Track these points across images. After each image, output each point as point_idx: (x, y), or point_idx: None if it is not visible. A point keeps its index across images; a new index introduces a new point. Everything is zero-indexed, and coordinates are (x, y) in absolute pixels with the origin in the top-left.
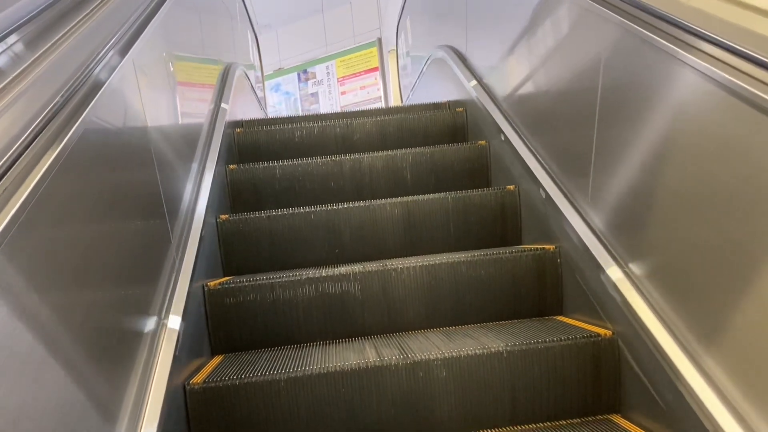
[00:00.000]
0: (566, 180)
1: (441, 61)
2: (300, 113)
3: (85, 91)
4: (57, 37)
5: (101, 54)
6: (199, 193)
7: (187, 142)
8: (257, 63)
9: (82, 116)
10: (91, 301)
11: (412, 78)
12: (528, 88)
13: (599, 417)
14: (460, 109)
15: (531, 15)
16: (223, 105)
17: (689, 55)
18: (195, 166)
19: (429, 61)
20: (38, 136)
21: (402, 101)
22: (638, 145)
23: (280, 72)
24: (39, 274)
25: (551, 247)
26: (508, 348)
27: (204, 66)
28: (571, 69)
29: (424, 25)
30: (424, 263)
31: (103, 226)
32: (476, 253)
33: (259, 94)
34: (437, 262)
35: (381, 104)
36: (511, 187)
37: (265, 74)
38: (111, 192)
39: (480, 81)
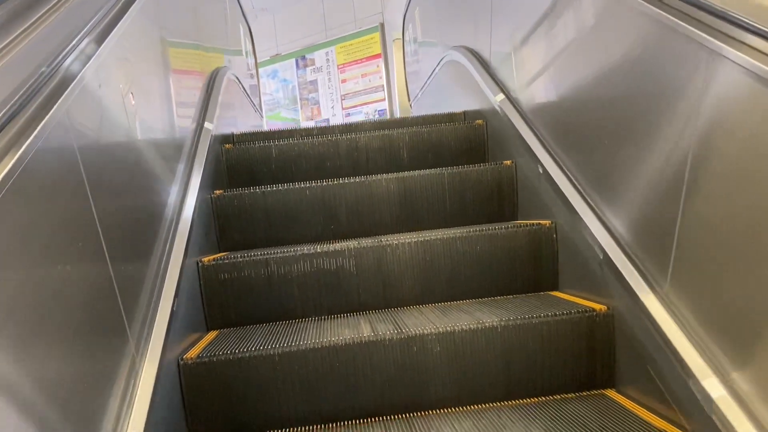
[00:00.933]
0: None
1: (457, 65)
2: (298, 101)
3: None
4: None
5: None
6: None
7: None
8: (252, 67)
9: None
10: (83, 277)
11: (421, 76)
12: (574, 106)
13: (594, 392)
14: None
15: (580, 18)
16: (206, 125)
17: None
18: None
19: (443, 63)
20: None
21: (409, 99)
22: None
23: (277, 58)
24: (34, 245)
25: (547, 222)
26: (503, 323)
27: (183, 75)
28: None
29: (437, 21)
30: (420, 239)
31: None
32: (471, 228)
33: (255, 100)
34: (432, 237)
35: (383, 93)
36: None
37: (261, 60)
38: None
39: (508, 94)
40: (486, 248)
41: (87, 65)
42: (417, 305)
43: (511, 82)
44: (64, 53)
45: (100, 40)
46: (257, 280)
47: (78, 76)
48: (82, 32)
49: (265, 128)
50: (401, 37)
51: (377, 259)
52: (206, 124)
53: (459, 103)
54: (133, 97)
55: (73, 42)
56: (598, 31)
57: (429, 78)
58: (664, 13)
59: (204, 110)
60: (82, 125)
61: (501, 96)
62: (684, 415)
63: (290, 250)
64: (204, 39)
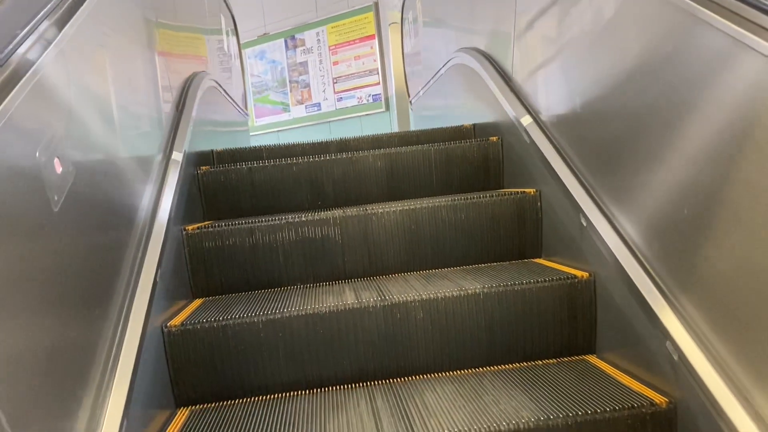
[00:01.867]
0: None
1: (469, 70)
2: (287, 84)
3: None
4: None
5: None
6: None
7: None
8: (236, 60)
9: None
10: (68, 244)
11: (423, 74)
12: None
13: (575, 357)
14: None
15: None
16: (174, 155)
17: None
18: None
19: (450, 64)
20: None
21: (409, 96)
22: None
23: (265, 38)
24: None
25: (531, 191)
26: (485, 290)
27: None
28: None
29: (445, 15)
30: (405, 207)
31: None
32: (457, 197)
33: (240, 100)
34: (418, 206)
35: (378, 77)
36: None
37: (248, 41)
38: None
39: (537, 116)
40: (471, 216)
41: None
42: (402, 273)
43: (541, 101)
44: None
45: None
46: (242, 249)
47: None
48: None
49: (253, 123)
50: (398, 22)
51: (363, 227)
52: (174, 155)
53: (468, 114)
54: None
55: None
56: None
57: (433, 78)
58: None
59: (172, 136)
60: None
61: (528, 119)
62: (661, 378)
63: (275, 219)
64: (172, 42)
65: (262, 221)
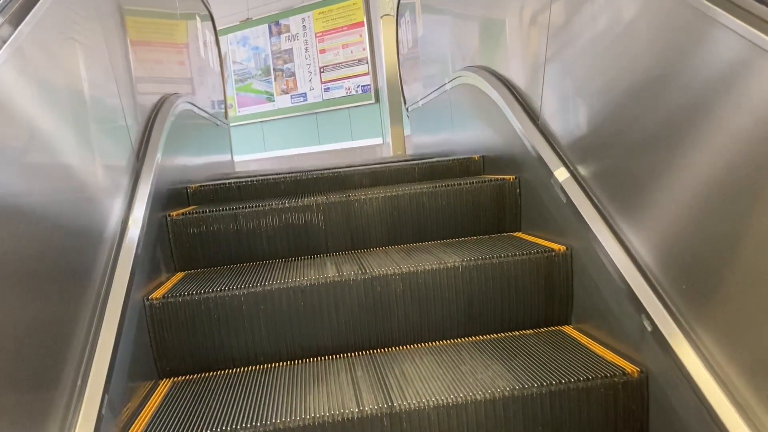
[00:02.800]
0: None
1: (481, 95)
2: (272, 72)
3: None
4: None
5: None
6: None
7: None
8: (216, 67)
9: None
10: (52, 226)
11: (423, 83)
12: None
13: (551, 328)
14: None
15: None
16: (132, 218)
17: None
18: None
19: (457, 82)
20: None
21: (405, 103)
22: None
23: (247, 23)
24: None
25: (511, 177)
26: (464, 263)
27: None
28: None
29: (454, 22)
30: (387, 194)
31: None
32: (438, 183)
33: (218, 112)
34: (400, 192)
35: (367, 67)
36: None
37: (230, 26)
38: None
39: (575, 170)
40: (452, 203)
41: None
42: (383, 247)
43: (577, 151)
44: None
45: None
46: (226, 235)
47: None
48: None
49: (236, 112)
50: (391, 15)
51: (345, 213)
52: (132, 217)
53: (477, 142)
54: None
55: None
56: None
57: (435, 91)
58: None
59: (131, 194)
60: None
61: (565, 174)
62: (635, 349)
63: (259, 204)
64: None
65: (245, 207)
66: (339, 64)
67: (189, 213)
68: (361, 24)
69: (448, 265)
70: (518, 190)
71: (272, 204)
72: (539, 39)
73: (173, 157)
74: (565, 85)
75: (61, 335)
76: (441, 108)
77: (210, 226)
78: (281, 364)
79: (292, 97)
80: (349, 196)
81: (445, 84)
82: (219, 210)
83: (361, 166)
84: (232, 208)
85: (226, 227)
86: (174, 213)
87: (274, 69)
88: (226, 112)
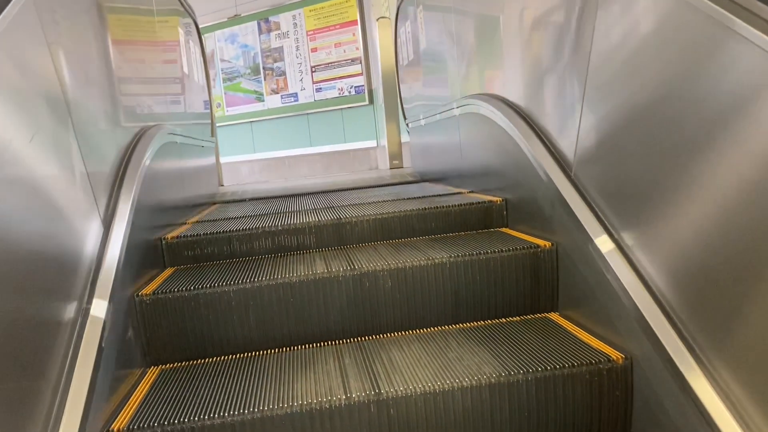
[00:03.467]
0: None
1: (498, 131)
2: (261, 71)
3: None
4: None
5: None
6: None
7: None
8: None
9: None
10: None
11: (426, 101)
12: None
13: (538, 315)
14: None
15: None
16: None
17: None
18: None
19: (468, 109)
20: None
21: (405, 118)
22: None
23: (236, 20)
24: None
25: (498, 199)
26: (452, 259)
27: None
28: None
29: (459, 42)
30: (378, 216)
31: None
32: (427, 205)
33: (207, 128)
34: (390, 213)
35: (360, 67)
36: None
37: (218, 22)
38: None
39: (622, 243)
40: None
41: None
42: (372, 242)
43: (622, 215)
44: None
45: None
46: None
47: None
48: None
49: (224, 112)
50: (388, 17)
51: (338, 235)
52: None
53: (493, 182)
54: None
55: None
56: None
57: (440, 114)
58: None
59: (92, 279)
60: None
61: (609, 245)
62: (619, 335)
63: (252, 227)
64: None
65: (239, 230)
66: (331, 63)
67: (182, 236)
68: (354, 23)
69: (436, 261)
70: (505, 212)
71: (265, 226)
72: (574, 71)
73: (146, 212)
74: (611, 131)
75: (45, 332)
76: (448, 133)
77: (204, 249)
78: (269, 351)
79: (282, 97)
80: (340, 218)
81: (452, 108)
82: (212, 233)
83: (366, 203)
84: (226, 231)
85: (220, 250)
86: (169, 236)
87: (263, 68)
88: (212, 130)
